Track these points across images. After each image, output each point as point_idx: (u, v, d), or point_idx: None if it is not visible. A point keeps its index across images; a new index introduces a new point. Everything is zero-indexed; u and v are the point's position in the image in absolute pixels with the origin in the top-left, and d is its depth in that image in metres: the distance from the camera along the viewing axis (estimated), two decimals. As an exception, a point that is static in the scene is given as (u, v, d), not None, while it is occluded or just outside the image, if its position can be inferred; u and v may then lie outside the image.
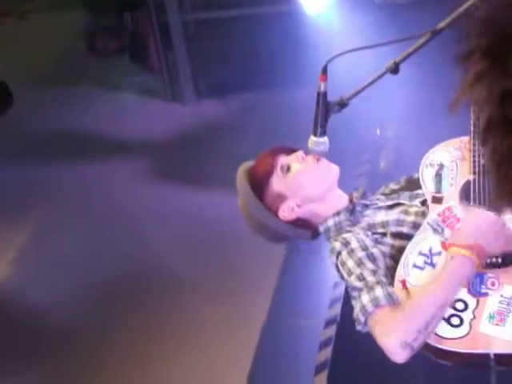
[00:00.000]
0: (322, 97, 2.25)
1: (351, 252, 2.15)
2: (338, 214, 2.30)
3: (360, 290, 2.06)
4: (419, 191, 2.32)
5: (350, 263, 2.13)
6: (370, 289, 2.05)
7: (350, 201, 2.35)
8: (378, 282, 2.06)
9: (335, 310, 3.78)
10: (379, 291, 2.04)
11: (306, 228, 2.35)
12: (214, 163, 5.05)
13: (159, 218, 4.78)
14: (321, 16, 5.35)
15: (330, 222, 2.30)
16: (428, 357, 2.05)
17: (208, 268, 4.27)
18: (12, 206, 4.97)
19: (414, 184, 2.38)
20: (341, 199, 2.34)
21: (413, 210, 2.26)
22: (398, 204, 2.31)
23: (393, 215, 2.25)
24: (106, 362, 3.82)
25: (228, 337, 3.83)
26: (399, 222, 2.23)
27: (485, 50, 0.86)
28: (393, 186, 2.46)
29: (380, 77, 2.22)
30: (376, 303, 2.02)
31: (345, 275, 2.14)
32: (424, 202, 2.27)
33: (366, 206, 2.34)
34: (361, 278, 2.08)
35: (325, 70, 2.23)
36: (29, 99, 5.70)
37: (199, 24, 6.11)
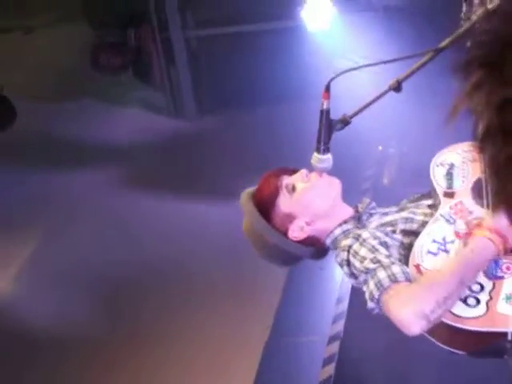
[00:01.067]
0: (325, 114, 2.26)
1: (363, 242, 2.15)
2: (345, 222, 2.31)
3: (375, 269, 2.05)
4: (424, 201, 2.33)
5: (363, 251, 2.13)
6: (387, 267, 2.05)
7: (356, 211, 2.36)
8: (393, 262, 2.07)
9: (338, 326, 3.77)
10: (396, 268, 2.04)
11: (315, 245, 2.35)
12: (215, 176, 5.07)
13: (161, 229, 4.79)
14: (323, 32, 5.37)
15: (338, 231, 2.29)
16: (441, 350, 2.04)
17: (209, 284, 4.27)
18: (13, 218, 4.98)
19: (417, 199, 2.39)
20: (346, 211, 2.35)
21: (421, 210, 2.28)
22: (405, 208, 2.33)
23: (401, 215, 2.27)
24: (108, 371, 3.83)
25: (231, 353, 3.82)
26: (408, 220, 2.24)
27: (483, 60, 0.87)
28: (394, 207, 2.47)
29: (383, 95, 2.24)
30: (394, 278, 2.01)
31: (357, 264, 2.12)
32: (431, 206, 2.28)
33: (372, 214, 2.34)
34: (375, 260, 2.08)
35: (328, 88, 2.24)
36: (31, 113, 5.73)
37: (202, 40, 6.14)
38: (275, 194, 2.32)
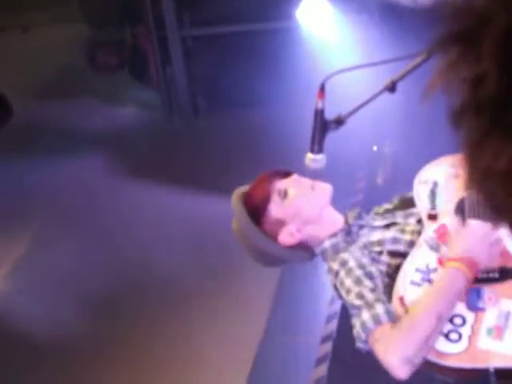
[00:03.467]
0: (320, 114, 2.27)
1: (349, 271, 2.16)
2: (334, 235, 2.31)
3: (360, 307, 2.07)
4: (413, 210, 2.32)
5: (349, 282, 2.14)
6: (370, 306, 2.06)
7: (346, 222, 2.35)
8: (377, 300, 2.07)
9: (332, 326, 3.78)
10: (379, 308, 2.05)
11: (304, 250, 2.35)
12: (210, 176, 5.07)
13: (158, 227, 4.79)
14: (320, 33, 5.38)
15: (327, 244, 2.30)
16: (429, 373, 2.06)
17: (202, 284, 4.27)
18: (8, 217, 4.98)
19: (407, 203, 2.38)
20: (336, 219, 2.35)
21: (409, 228, 2.27)
22: (394, 223, 2.32)
23: (389, 234, 2.26)
24: (105, 372, 3.83)
25: (224, 352, 3.82)
26: (395, 240, 2.24)
27: (459, 36, 0.88)
28: (386, 205, 2.47)
29: (377, 95, 2.24)
30: (377, 320, 2.03)
31: (343, 294, 2.14)
32: (419, 221, 2.28)
33: (362, 227, 2.34)
34: (360, 296, 2.09)
35: (322, 88, 2.25)
36: (28, 111, 5.72)
37: (198, 40, 6.14)
38: (267, 199, 2.32)
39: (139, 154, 5.69)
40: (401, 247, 2.21)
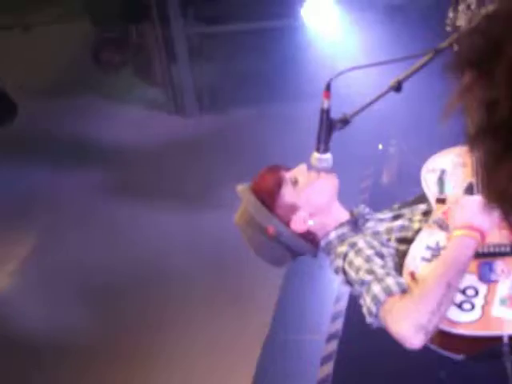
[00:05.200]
0: (326, 114, 2.27)
1: (359, 251, 2.17)
2: (340, 226, 2.31)
3: (370, 282, 2.08)
4: (419, 206, 2.33)
5: (358, 261, 2.14)
6: (381, 280, 2.07)
7: (351, 215, 2.36)
8: (387, 274, 2.08)
9: (337, 324, 3.78)
10: (390, 280, 2.06)
11: (312, 242, 2.36)
12: (215, 173, 5.07)
13: (160, 226, 4.79)
14: (325, 31, 5.37)
15: (333, 235, 2.30)
16: (441, 355, 2.05)
17: (207, 283, 4.28)
18: (13, 216, 4.99)
19: (411, 202, 2.40)
20: (343, 211, 2.36)
21: (416, 218, 2.29)
22: (401, 215, 2.33)
23: (397, 222, 2.28)
24: (107, 369, 3.84)
25: (229, 351, 3.83)
26: (403, 228, 2.26)
27: (474, 60, 0.89)
28: (388, 209, 2.48)
29: (383, 95, 2.24)
30: (388, 291, 2.04)
31: (353, 274, 2.14)
32: (426, 213, 2.29)
33: (368, 220, 2.35)
34: (370, 271, 2.10)
35: (328, 87, 2.25)
36: (32, 110, 5.73)
37: (203, 38, 6.14)
38: (279, 184, 2.33)
39: (144, 152, 5.69)
40: (408, 234, 2.23)
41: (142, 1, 6.11)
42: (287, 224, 2.32)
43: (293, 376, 3.62)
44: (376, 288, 2.06)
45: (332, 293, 3.79)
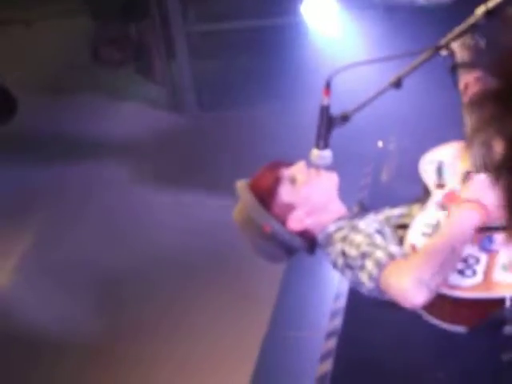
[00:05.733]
0: (325, 111, 2.27)
1: (359, 231, 2.18)
2: (339, 219, 2.32)
3: (372, 251, 2.09)
4: (415, 204, 2.34)
5: (359, 238, 2.15)
6: (383, 247, 2.08)
7: (350, 211, 2.37)
8: (389, 243, 2.11)
9: (336, 322, 3.78)
10: (393, 247, 2.08)
11: (310, 239, 2.36)
12: (214, 171, 5.07)
13: (158, 222, 4.80)
14: (325, 29, 5.38)
15: (332, 227, 2.30)
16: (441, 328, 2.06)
17: (206, 279, 4.28)
18: (13, 212, 4.99)
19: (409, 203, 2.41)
20: (341, 209, 2.36)
21: (415, 209, 2.30)
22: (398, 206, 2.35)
23: (395, 211, 2.30)
24: (106, 367, 3.84)
25: (228, 348, 3.83)
26: (402, 215, 2.27)
27: (496, 94, 0.90)
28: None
29: (383, 92, 2.25)
30: (391, 256, 2.06)
31: (353, 252, 2.14)
32: (423, 206, 2.30)
33: (366, 213, 2.36)
34: (372, 244, 2.11)
35: (328, 84, 2.25)
36: (32, 106, 5.73)
37: (203, 36, 6.14)
38: (277, 182, 2.33)
39: (143, 150, 5.70)
40: (407, 220, 2.24)
41: (142, -2, 6.13)
42: (283, 223, 2.32)
43: (292, 373, 3.62)
44: (379, 253, 2.08)
45: (331, 290, 3.79)
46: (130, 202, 5.04)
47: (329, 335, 3.73)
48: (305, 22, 5.39)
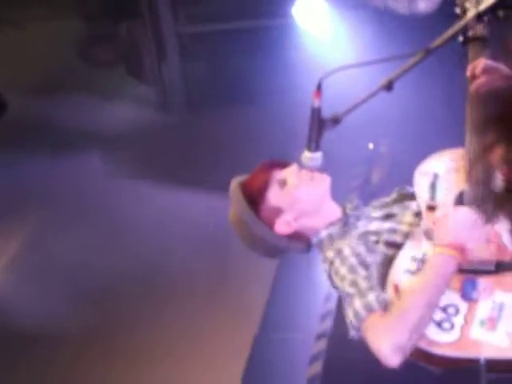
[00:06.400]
0: (317, 113, 2.27)
1: (344, 259, 2.17)
2: (331, 225, 2.32)
3: (353, 295, 2.09)
4: (411, 202, 2.34)
5: (343, 270, 2.15)
6: (363, 294, 2.07)
7: (343, 212, 2.36)
8: (370, 288, 2.09)
9: (326, 323, 3.79)
10: (372, 296, 2.07)
11: (301, 241, 2.36)
12: (205, 171, 5.07)
13: (150, 222, 4.79)
14: (316, 30, 5.38)
15: (324, 234, 2.31)
16: (419, 365, 2.07)
17: (196, 280, 4.28)
18: (5, 212, 4.97)
19: (404, 197, 2.39)
20: (334, 211, 2.36)
21: (406, 220, 2.28)
22: (391, 215, 2.33)
23: (386, 225, 2.28)
24: (99, 367, 3.84)
25: (218, 349, 3.83)
26: (392, 231, 2.25)
27: (498, 121, 0.91)
28: (385, 199, 2.48)
29: (374, 94, 2.25)
30: (368, 308, 2.05)
31: (338, 282, 2.15)
32: (417, 214, 2.29)
33: (359, 217, 2.35)
34: (353, 283, 2.11)
35: (319, 86, 2.25)
36: (22, 107, 5.71)
37: (194, 36, 6.14)
38: (266, 186, 2.33)
39: (134, 150, 5.69)
40: (397, 238, 2.23)
41: (132, -2, 6.11)
42: (271, 226, 2.33)
43: (282, 375, 3.63)
44: (358, 303, 2.07)
45: (321, 292, 3.80)
46: (120, 201, 5.03)
47: (319, 337, 3.73)
48: (296, 24, 5.39)
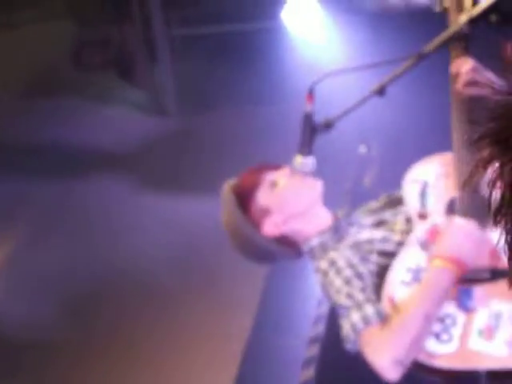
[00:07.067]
0: (309, 117, 2.27)
1: (338, 271, 2.16)
2: (322, 232, 2.31)
3: (349, 308, 2.08)
4: (402, 208, 2.33)
5: (338, 282, 2.14)
6: (360, 307, 2.07)
7: (334, 219, 2.35)
8: (367, 300, 2.08)
9: (319, 327, 3.78)
10: (369, 309, 2.06)
11: (290, 246, 2.35)
12: (197, 174, 5.06)
13: (142, 225, 4.77)
14: (307, 34, 5.37)
15: (315, 241, 2.30)
16: (417, 375, 2.07)
17: (187, 285, 4.26)
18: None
19: (395, 201, 2.39)
20: (325, 217, 2.35)
21: (398, 227, 2.28)
22: (383, 222, 2.32)
23: (378, 233, 2.26)
24: (89, 374, 3.82)
25: (210, 354, 3.82)
26: (385, 240, 2.24)
27: (496, 135, 0.91)
28: (373, 204, 2.47)
29: (366, 99, 2.25)
30: (366, 321, 2.04)
31: (333, 294, 2.14)
32: (408, 220, 2.28)
33: (351, 224, 2.34)
34: (349, 296, 2.10)
35: (311, 91, 2.25)
36: (12, 111, 5.69)
37: (186, 39, 6.13)
38: (256, 186, 2.33)
39: (126, 154, 5.67)
40: (390, 247, 2.22)
41: (124, 2, 6.09)
42: (259, 227, 2.32)
43: (274, 380, 3.62)
44: (355, 316, 2.06)
45: (314, 295, 3.78)
46: (113, 209, 5.01)
47: (311, 342, 3.72)
48: (286, 28, 5.38)
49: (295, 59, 5.40)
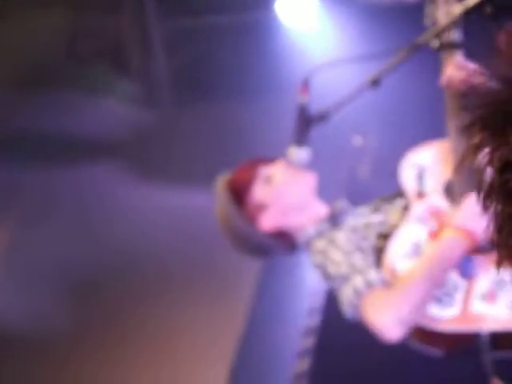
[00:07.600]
0: (303, 109, 2.27)
1: (338, 246, 2.17)
2: (320, 222, 2.31)
3: (351, 273, 2.08)
4: (398, 200, 2.33)
5: (338, 256, 2.15)
6: (363, 272, 2.08)
7: (330, 211, 2.36)
8: (369, 266, 2.09)
9: (314, 319, 3.78)
10: (372, 274, 2.08)
11: (286, 240, 2.35)
12: (190, 168, 5.06)
13: (135, 220, 4.77)
14: (302, 26, 5.36)
15: (311, 231, 2.29)
16: (419, 350, 2.07)
17: (182, 277, 4.27)
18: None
19: (389, 198, 2.40)
20: (320, 209, 2.35)
21: (395, 214, 2.29)
22: (379, 210, 2.33)
23: (376, 218, 2.28)
24: (84, 366, 3.82)
25: (205, 345, 3.82)
26: (382, 224, 2.26)
27: (486, 121, 0.91)
28: (367, 205, 2.47)
29: (361, 91, 2.25)
30: (369, 284, 2.05)
31: (333, 270, 2.14)
32: (405, 208, 2.29)
33: (347, 215, 2.35)
34: (351, 265, 2.11)
35: (306, 83, 2.25)
36: (6, 102, 5.67)
37: (180, 31, 6.11)
38: (251, 181, 2.33)
39: (118, 145, 5.66)
40: (387, 229, 2.23)
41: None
42: (256, 222, 2.31)
43: (269, 371, 3.62)
44: (357, 280, 2.07)
45: (309, 287, 3.79)
46: (108, 197, 5.01)
47: (306, 333, 3.73)
48: (280, 19, 5.37)
49: (289, 50, 5.40)
